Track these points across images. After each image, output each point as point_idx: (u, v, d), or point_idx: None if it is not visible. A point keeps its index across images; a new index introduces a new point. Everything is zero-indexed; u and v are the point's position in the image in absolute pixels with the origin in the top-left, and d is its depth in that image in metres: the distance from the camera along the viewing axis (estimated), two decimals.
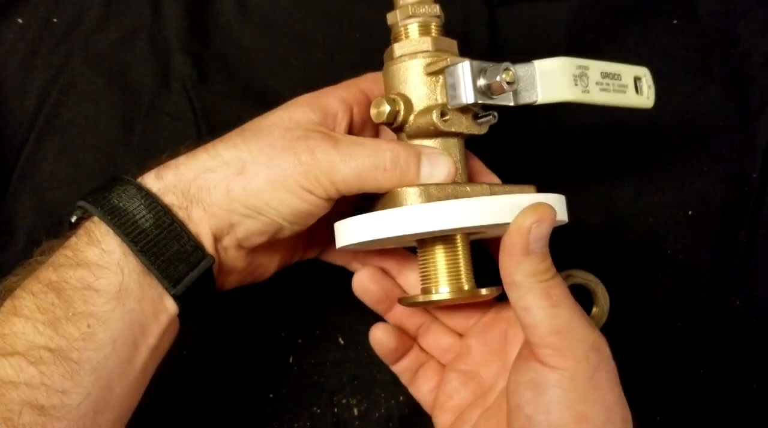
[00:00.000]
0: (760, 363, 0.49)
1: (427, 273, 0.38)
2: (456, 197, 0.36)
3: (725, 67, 0.56)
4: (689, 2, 0.58)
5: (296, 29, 0.57)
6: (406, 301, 0.39)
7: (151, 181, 0.36)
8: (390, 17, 0.40)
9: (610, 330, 0.37)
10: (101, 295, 0.33)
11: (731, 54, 0.56)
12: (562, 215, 0.36)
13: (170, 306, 0.35)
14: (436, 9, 0.39)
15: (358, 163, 0.35)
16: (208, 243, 0.36)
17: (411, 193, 0.36)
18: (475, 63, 0.37)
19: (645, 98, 0.42)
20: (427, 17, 0.39)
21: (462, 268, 0.38)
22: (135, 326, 0.33)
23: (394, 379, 0.46)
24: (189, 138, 0.52)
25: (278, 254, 0.42)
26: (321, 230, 0.42)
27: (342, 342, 0.47)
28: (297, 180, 0.35)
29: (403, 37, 0.39)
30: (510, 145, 0.53)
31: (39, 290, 0.32)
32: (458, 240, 0.38)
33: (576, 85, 0.38)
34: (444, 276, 0.38)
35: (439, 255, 0.38)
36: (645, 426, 0.47)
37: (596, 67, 0.40)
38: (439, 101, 0.38)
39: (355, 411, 0.45)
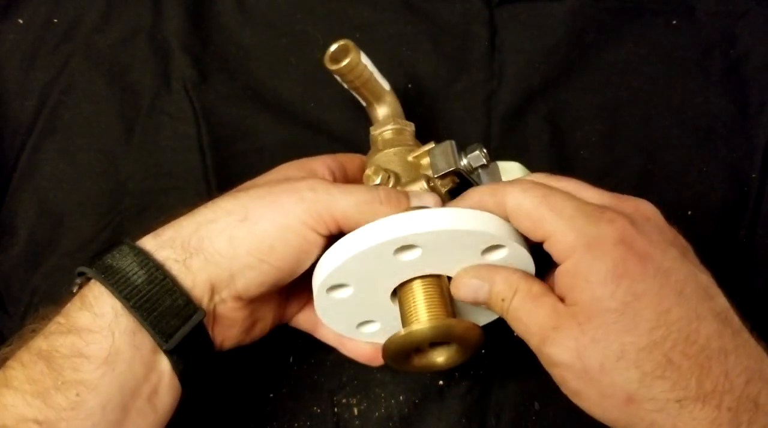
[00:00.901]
0: None
1: (407, 312, 0.37)
2: None
3: (724, 68, 0.56)
4: (688, 3, 0.58)
5: (296, 29, 0.57)
6: (389, 348, 0.37)
7: (147, 239, 0.36)
8: (372, 129, 0.46)
9: None
10: (91, 362, 0.32)
11: (730, 54, 0.56)
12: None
13: (163, 364, 0.35)
14: (412, 125, 0.46)
15: (357, 197, 0.36)
16: (204, 294, 0.36)
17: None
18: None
19: None
20: (402, 125, 0.45)
21: (446, 301, 0.37)
22: (125, 389, 0.33)
23: (394, 379, 0.46)
24: (189, 138, 0.52)
25: (272, 310, 0.42)
26: (302, 290, 0.42)
27: None
28: (300, 217, 0.36)
29: (382, 139, 0.45)
30: (509, 145, 0.53)
31: (29, 360, 0.32)
32: (437, 279, 0.37)
33: None
34: (424, 307, 0.36)
35: (418, 290, 0.37)
36: None
37: None
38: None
39: (355, 410, 0.45)
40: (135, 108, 0.53)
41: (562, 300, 0.33)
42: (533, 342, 0.33)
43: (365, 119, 0.47)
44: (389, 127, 0.45)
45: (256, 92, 0.55)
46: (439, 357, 0.39)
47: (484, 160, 0.41)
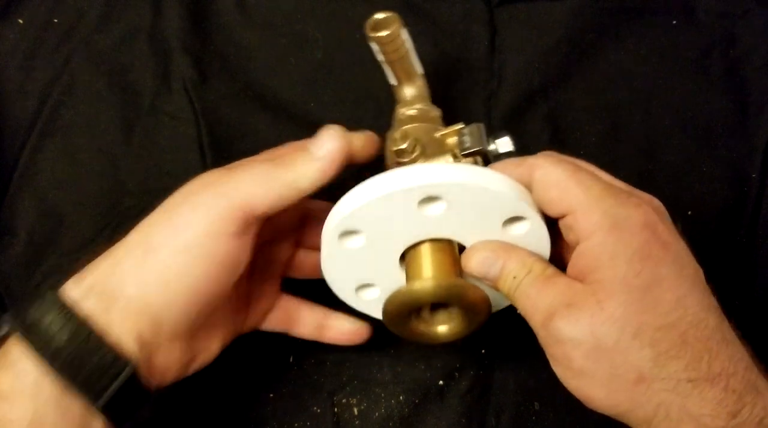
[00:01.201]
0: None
1: (413, 269, 0.36)
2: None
3: (724, 68, 0.56)
4: (688, 3, 0.58)
5: (296, 29, 0.57)
6: (391, 303, 0.36)
7: (71, 286, 0.34)
8: (398, 106, 0.45)
9: None
10: None
11: (730, 54, 0.56)
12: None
13: (95, 422, 0.33)
14: (439, 110, 0.45)
15: (262, 166, 0.35)
16: (133, 345, 0.33)
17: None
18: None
19: None
20: (430, 108, 0.45)
21: (456, 264, 0.36)
22: None
23: (394, 379, 0.46)
24: (189, 138, 0.52)
25: (217, 335, 0.39)
26: (261, 295, 0.41)
27: None
28: (200, 229, 0.33)
29: (408, 116, 0.44)
30: None
31: None
32: (449, 244, 0.37)
33: None
34: (431, 266, 0.35)
35: (426, 251, 0.36)
36: None
37: None
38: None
39: (355, 410, 0.45)
40: (135, 108, 0.53)
41: (577, 279, 0.33)
42: (538, 318, 0.32)
43: (366, 120, 0.47)
44: (417, 106, 0.44)
45: (256, 92, 0.55)
46: (442, 326, 0.38)
47: (512, 148, 0.40)
